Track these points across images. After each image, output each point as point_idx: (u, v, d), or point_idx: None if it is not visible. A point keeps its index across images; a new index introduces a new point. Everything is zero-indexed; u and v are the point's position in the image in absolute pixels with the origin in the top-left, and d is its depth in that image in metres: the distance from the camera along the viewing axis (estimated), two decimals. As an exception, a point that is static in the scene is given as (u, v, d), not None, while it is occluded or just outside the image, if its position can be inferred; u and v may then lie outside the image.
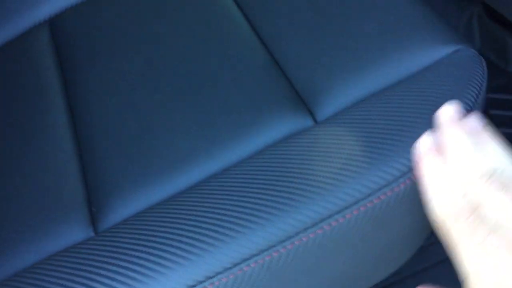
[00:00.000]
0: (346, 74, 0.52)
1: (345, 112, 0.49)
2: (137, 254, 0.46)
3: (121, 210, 0.51)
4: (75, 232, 0.50)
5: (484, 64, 0.49)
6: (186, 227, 0.47)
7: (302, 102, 0.53)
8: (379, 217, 0.43)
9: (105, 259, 0.47)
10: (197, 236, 0.45)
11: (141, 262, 0.45)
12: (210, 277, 0.45)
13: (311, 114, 0.52)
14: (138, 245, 0.47)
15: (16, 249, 0.50)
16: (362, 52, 0.53)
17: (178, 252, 0.46)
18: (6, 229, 0.51)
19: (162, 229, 0.47)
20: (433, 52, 0.51)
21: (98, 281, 0.45)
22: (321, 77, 0.53)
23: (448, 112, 0.42)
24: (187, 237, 0.46)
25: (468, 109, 0.45)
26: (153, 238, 0.47)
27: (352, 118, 0.48)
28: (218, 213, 0.46)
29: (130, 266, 0.46)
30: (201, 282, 0.44)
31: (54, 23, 0.71)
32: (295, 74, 0.54)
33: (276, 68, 0.56)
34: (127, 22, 0.67)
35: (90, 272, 0.46)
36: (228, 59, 0.58)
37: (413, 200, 0.44)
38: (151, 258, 0.46)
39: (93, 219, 0.51)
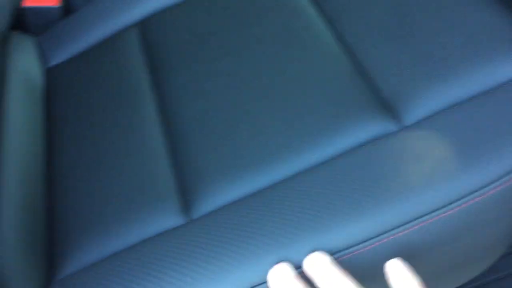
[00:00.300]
0: (432, 82, 0.54)
1: (434, 118, 0.51)
2: (225, 242, 0.49)
3: (213, 200, 0.54)
4: (170, 218, 0.54)
5: None
6: (271, 223, 0.49)
7: (388, 108, 0.55)
8: (470, 219, 0.45)
9: (197, 245, 0.50)
10: (278, 231, 0.48)
11: (227, 251, 0.48)
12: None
13: (398, 119, 0.54)
14: (227, 234, 0.50)
15: (116, 232, 0.53)
16: (448, 61, 0.55)
17: (260, 245, 0.48)
18: (106, 214, 0.55)
19: (250, 223, 0.50)
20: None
21: (187, 268, 0.48)
22: (408, 84, 0.55)
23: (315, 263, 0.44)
24: (270, 231, 0.49)
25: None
26: (240, 230, 0.50)
27: (443, 123, 0.49)
28: (302, 210, 0.49)
29: (219, 252, 0.48)
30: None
31: (144, 25, 0.75)
32: (381, 81, 0.57)
33: (361, 75, 0.58)
34: (214, 27, 0.71)
35: (182, 256, 0.49)
36: (313, 66, 0.61)
37: (503, 206, 0.45)
38: (234, 249, 0.48)
39: (187, 207, 0.54)
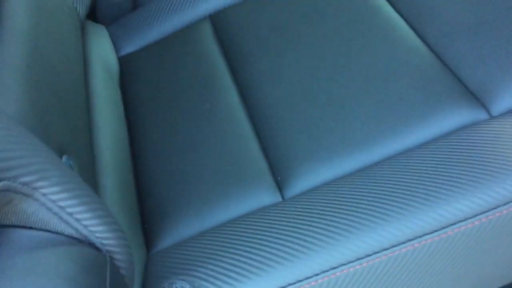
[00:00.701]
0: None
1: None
2: (323, 219, 0.51)
3: (304, 180, 0.56)
4: (265, 196, 0.55)
5: None
6: (364, 203, 0.51)
7: (476, 98, 0.57)
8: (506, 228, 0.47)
9: (291, 224, 0.52)
10: (371, 212, 0.50)
11: (327, 226, 0.50)
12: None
13: (486, 109, 0.56)
14: (321, 214, 0.52)
15: (214, 207, 0.55)
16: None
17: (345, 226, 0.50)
18: (202, 191, 0.57)
19: (343, 202, 0.52)
20: None
21: (284, 245, 0.50)
22: (494, 77, 0.57)
23: None
24: (363, 211, 0.50)
25: None
26: (333, 210, 0.52)
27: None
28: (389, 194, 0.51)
29: (314, 230, 0.50)
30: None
31: (215, 19, 0.78)
32: (466, 74, 0.59)
33: (445, 67, 0.60)
34: (286, 21, 0.73)
35: (278, 233, 0.51)
36: (395, 58, 0.63)
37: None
38: (328, 226, 0.50)
39: (280, 187, 0.56)
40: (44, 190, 0.31)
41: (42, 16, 0.52)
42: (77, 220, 0.33)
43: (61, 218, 0.32)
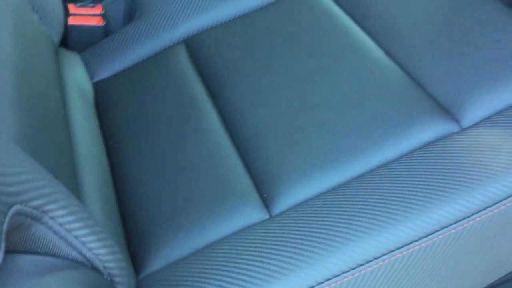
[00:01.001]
0: (485, 86, 0.60)
1: (491, 119, 0.57)
2: (309, 234, 0.52)
3: (289, 196, 0.57)
4: (253, 214, 0.56)
5: None
6: (339, 221, 0.53)
7: (446, 111, 0.60)
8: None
9: (283, 237, 0.53)
10: (355, 224, 0.51)
11: (312, 241, 0.51)
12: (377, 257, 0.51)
13: (456, 121, 0.59)
14: (305, 231, 0.53)
15: (200, 227, 0.55)
16: (494, 74, 0.61)
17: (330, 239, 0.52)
18: (188, 212, 0.57)
19: (327, 216, 0.54)
20: None
21: (273, 259, 0.51)
22: (461, 90, 0.61)
23: None
24: (347, 223, 0.52)
25: None
26: (320, 223, 0.53)
27: (503, 122, 0.55)
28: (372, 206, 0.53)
29: (305, 242, 0.51)
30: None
31: (189, 43, 0.79)
32: (436, 88, 0.63)
33: (415, 83, 0.64)
34: (261, 43, 0.75)
35: (272, 247, 0.52)
36: (366, 76, 0.66)
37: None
38: (318, 239, 0.52)
39: (266, 204, 0.57)
40: (52, 214, 0.31)
41: (24, 43, 0.52)
42: (83, 243, 0.33)
43: (67, 241, 0.32)
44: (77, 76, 0.75)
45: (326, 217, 0.52)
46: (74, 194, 0.51)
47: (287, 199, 0.57)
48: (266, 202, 0.58)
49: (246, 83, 0.71)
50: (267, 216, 0.56)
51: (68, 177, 0.52)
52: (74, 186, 0.52)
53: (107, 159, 0.67)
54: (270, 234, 0.53)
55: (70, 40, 0.83)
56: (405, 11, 0.72)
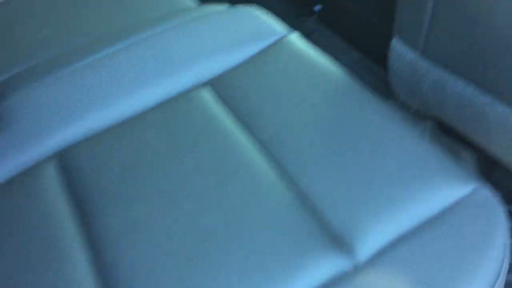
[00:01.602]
0: (376, 214, 0.56)
1: (386, 252, 0.54)
2: None
3: None
4: None
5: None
6: None
7: (338, 241, 0.56)
8: None
9: None
10: None
11: None
12: None
13: (350, 253, 0.55)
14: None
15: None
16: (388, 191, 0.58)
17: None
18: None
19: None
20: (453, 191, 0.57)
21: None
22: (356, 215, 0.57)
23: None
24: None
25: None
26: None
27: (398, 257, 0.52)
28: None
29: None
30: None
31: (63, 157, 0.70)
32: (328, 211, 0.58)
33: (304, 205, 0.59)
34: (142, 157, 0.68)
35: None
36: (250, 197, 0.60)
37: None
38: None
39: None
40: None
41: None
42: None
43: None
44: None
45: None
46: None
47: None
48: None
49: (123, 211, 0.62)
50: None
51: None
52: None
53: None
54: None
55: None
56: (295, 121, 0.68)
